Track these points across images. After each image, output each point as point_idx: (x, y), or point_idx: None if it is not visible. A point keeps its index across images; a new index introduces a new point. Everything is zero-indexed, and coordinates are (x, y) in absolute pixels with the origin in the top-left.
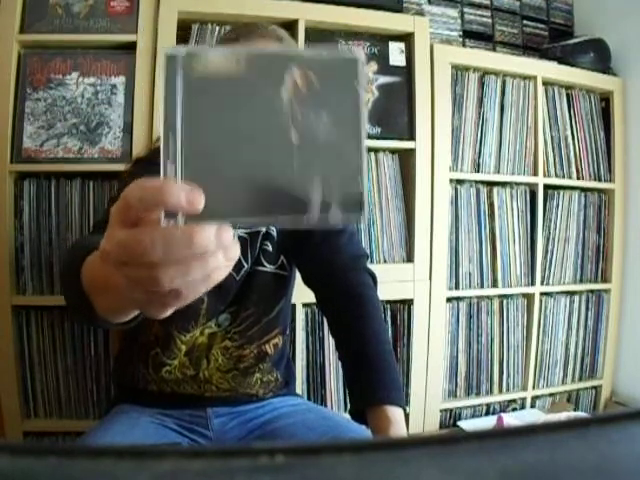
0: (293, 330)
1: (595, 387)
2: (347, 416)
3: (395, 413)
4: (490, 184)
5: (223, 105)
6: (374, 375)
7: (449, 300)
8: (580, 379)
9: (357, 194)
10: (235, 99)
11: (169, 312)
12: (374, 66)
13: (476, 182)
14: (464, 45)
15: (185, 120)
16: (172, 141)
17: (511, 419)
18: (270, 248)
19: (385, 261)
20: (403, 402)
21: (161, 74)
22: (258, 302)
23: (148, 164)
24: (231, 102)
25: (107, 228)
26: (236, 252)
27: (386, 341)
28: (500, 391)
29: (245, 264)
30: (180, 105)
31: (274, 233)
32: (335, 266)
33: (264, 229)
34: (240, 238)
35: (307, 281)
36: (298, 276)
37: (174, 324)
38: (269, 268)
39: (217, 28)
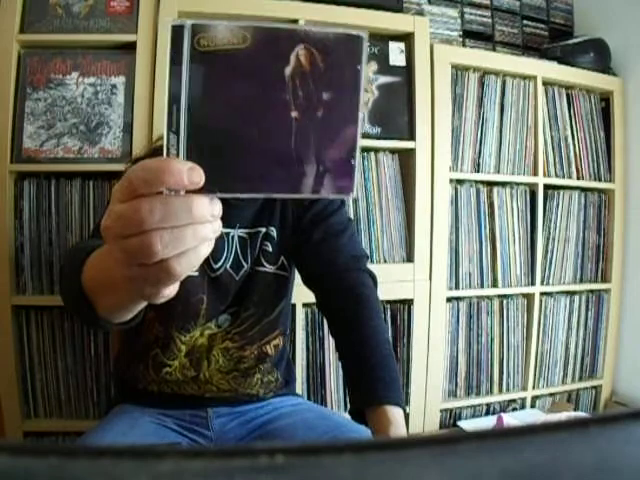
0: (293, 330)
1: (595, 387)
2: (347, 416)
3: (395, 413)
4: (490, 184)
5: (227, 79)
6: (374, 375)
7: (449, 300)
8: (580, 379)
9: (349, 169)
10: (239, 73)
11: (164, 295)
12: (374, 66)
13: (476, 182)
14: (464, 45)
15: (189, 92)
16: (175, 112)
17: (511, 419)
18: (270, 248)
19: (385, 261)
20: (403, 402)
21: (167, 44)
22: (258, 303)
23: None
24: (235, 76)
25: (108, 206)
26: (220, 225)
27: (386, 341)
28: (500, 391)
29: (245, 264)
30: (185, 77)
31: (274, 234)
32: (335, 266)
33: (264, 230)
34: (240, 238)
35: (307, 281)
36: (298, 276)
37: (174, 324)
38: (269, 269)
39: None
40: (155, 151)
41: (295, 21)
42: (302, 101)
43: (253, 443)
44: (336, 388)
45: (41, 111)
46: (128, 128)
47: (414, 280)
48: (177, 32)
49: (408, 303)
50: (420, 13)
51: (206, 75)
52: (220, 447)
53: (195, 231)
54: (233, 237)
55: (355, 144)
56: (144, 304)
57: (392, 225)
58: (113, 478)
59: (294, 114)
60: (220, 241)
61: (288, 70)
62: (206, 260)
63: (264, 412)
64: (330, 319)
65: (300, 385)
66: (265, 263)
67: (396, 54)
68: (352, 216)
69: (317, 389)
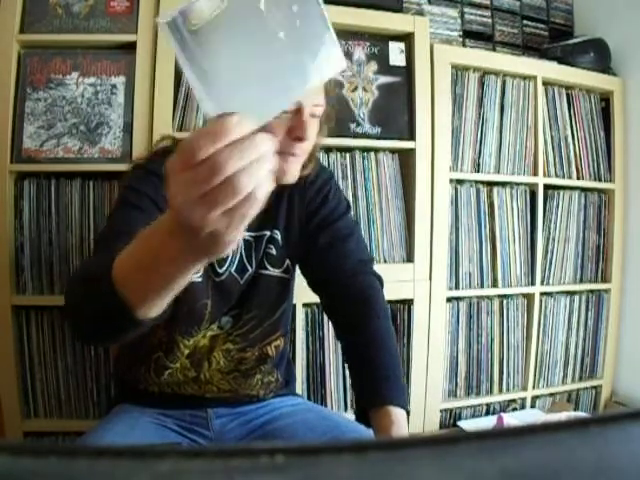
0: (293, 330)
1: (595, 387)
2: (347, 416)
3: (398, 414)
4: (490, 184)
5: (224, 38)
6: (379, 377)
7: (449, 300)
8: (580, 379)
9: (335, 47)
10: (229, 29)
11: (231, 243)
12: (374, 66)
13: (476, 182)
14: (464, 45)
15: (202, 62)
16: (201, 85)
17: (511, 419)
18: (274, 252)
19: (385, 261)
20: (407, 405)
21: (168, 39)
22: (261, 305)
23: (148, 174)
24: (228, 33)
25: (166, 180)
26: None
27: (392, 345)
28: (500, 391)
29: (249, 268)
30: (193, 54)
31: (278, 237)
32: (342, 272)
33: (268, 233)
34: (245, 242)
35: (313, 286)
36: (297, 275)
37: (177, 329)
38: (273, 272)
39: None
40: (156, 153)
41: None
42: (282, 22)
43: (253, 443)
44: (336, 388)
45: (41, 111)
46: (128, 128)
47: (414, 280)
48: (171, 25)
49: (408, 303)
50: (420, 13)
51: (209, 44)
52: (220, 447)
53: (264, 164)
54: (238, 241)
55: (329, 29)
56: (187, 278)
57: (392, 225)
58: (113, 478)
59: (281, 34)
60: None
61: (261, 4)
62: (211, 265)
63: (264, 412)
64: (337, 322)
65: (300, 385)
66: (269, 266)
67: (396, 54)
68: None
69: (317, 389)
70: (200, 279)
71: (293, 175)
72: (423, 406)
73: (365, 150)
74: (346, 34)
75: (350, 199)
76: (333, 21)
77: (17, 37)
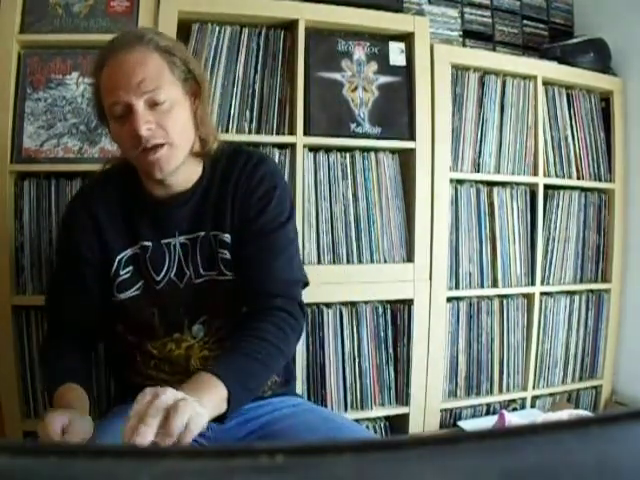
0: None
1: (595, 387)
2: (348, 417)
3: (219, 388)
4: (490, 184)
5: None
6: (231, 360)
7: (449, 300)
8: (580, 379)
9: None
10: None
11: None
12: (374, 66)
13: (476, 182)
14: (464, 45)
15: None
16: None
17: (513, 416)
18: (228, 256)
19: (385, 261)
20: (236, 392)
21: None
22: (227, 311)
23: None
24: None
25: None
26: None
27: (269, 362)
28: (500, 391)
29: (187, 271)
30: None
31: (229, 240)
32: (264, 289)
33: (202, 233)
34: (182, 246)
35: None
36: None
37: (139, 334)
38: (231, 276)
39: (217, 28)
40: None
41: (295, 21)
42: None
43: (253, 443)
44: (336, 388)
45: (41, 111)
46: None
47: (414, 280)
48: None
49: (408, 303)
50: (420, 13)
51: None
52: (220, 447)
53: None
54: (175, 246)
55: None
56: None
57: (392, 225)
58: (113, 478)
59: None
60: (159, 252)
61: None
62: (149, 275)
63: (264, 412)
64: (237, 327)
65: (300, 385)
66: (226, 271)
67: (396, 54)
68: (352, 216)
69: (317, 389)
70: (138, 292)
71: (167, 164)
72: (423, 406)
73: (365, 150)
74: (346, 34)
75: (350, 199)
76: (334, 21)
77: (17, 37)
